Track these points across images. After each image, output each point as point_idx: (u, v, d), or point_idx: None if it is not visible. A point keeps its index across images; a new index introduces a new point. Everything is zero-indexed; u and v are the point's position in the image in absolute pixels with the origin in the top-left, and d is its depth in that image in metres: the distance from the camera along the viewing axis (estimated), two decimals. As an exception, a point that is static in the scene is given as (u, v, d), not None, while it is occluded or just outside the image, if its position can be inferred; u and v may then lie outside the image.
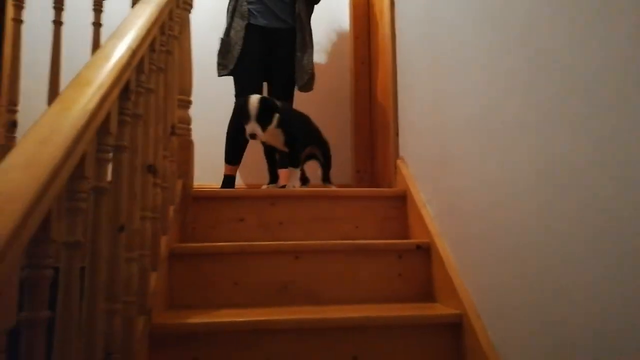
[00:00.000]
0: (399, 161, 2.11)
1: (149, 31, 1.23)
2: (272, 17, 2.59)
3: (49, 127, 0.74)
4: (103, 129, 0.92)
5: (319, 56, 3.22)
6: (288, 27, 2.61)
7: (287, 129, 2.17)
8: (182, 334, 1.34)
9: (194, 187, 1.92)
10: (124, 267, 1.12)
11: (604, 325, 0.86)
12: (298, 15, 2.61)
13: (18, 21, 1.72)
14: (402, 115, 2.13)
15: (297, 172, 2.24)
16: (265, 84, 2.68)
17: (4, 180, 0.61)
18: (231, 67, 2.53)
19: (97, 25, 1.78)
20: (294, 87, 2.68)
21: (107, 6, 1.82)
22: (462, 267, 1.48)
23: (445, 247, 1.60)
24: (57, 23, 1.73)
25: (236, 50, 2.52)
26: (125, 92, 1.07)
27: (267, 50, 2.60)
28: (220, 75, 2.58)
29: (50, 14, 1.71)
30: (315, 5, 2.74)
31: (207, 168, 2.50)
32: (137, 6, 1.35)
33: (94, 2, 1.77)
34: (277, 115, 2.11)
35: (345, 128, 3.20)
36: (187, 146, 1.87)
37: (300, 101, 2.74)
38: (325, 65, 3.29)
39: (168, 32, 1.58)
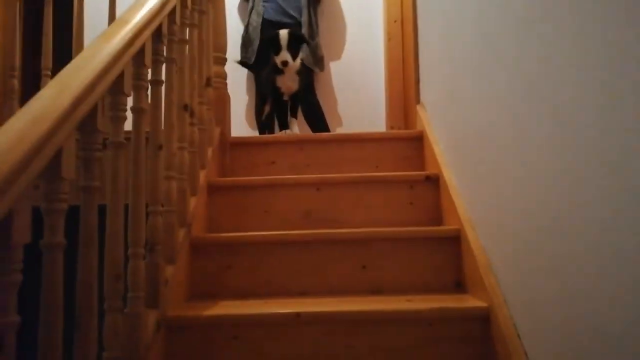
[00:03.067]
0: (418, 106, 2.25)
1: (179, -12, 1.47)
2: (283, 14, 3.04)
3: (96, 50, 0.99)
4: (138, 60, 1.17)
5: (352, 17, 3.36)
6: (296, 22, 3.06)
7: (302, 79, 2.48)
8: (217, 245, 1.60)
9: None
10: (164, 183, 1.38)
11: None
12: (307, 8, 3.05)
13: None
14: (422, 64, 2.25)
15: (295, 121, 2.56)
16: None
17: (60, 78, 0.86)
18: (253, 59, 2.98)
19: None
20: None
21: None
22: (461, 188, 1.63)
23: (450, 176, 1.74)
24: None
25: (255, 44, 2.96)
26: (158, 36, 1.31)
27: None
28: (243, 66, 3.05)
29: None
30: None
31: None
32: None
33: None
34: (304, 45, 2.43)
35: (380, 86, 3.33)
36: (223, 98, 2.12)
37: (337, 70, 3.01)
38: (359, 30, 3.42)
39: (201, -6, 1.82)
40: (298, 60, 2.39)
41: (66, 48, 2.60)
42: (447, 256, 1.59)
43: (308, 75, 2.93)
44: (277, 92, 2.47)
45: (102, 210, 0.99)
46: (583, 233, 0.89)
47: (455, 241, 1.58)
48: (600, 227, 0.84)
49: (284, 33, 2.32)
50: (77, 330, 0.91)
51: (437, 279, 1.58)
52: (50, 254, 0.81)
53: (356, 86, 3.31)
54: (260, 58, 2.92)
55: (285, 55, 2.30)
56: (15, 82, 2.00)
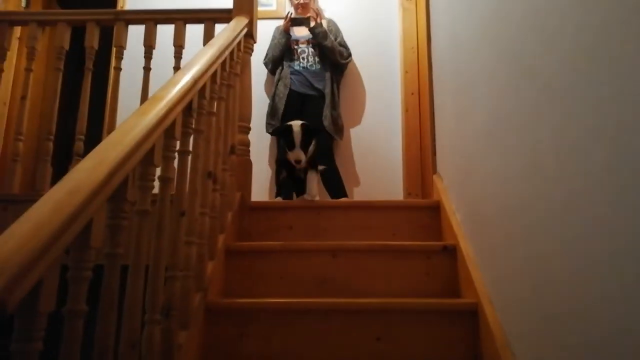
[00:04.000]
0: (435, 176, 2.29)
1: (210, 66, 1.58)
2: (308, 86, 3.21)
3: (132, 125, 1.07)
4: (169, 133, 1.25)
5: (372, 88, 3.50)
6: (320, 94, 3.22)
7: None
8: (232, 310, 1.60)
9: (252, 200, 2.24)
10: (184, 248, 1.42)
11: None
12: (331, 81, 3.21)
13: (117, 69, 2.21)
14: (439, 136, 2.32)
15: (315, 176, 2.41)
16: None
17: (98, 152, 0.93)
18: (278, 125, 3.11)
19: (147, 69, 2.18)
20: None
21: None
22: (479, 261, 1.62)
23: (468, 248, 1.74)
24: (147, 69, 2.18)
25: (280, 111, 3.14)
26: (188, 110, 1.41)
27: (301, 110, 3.17)
28: (268, 131, 3.21)
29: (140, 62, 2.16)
30: (348, 60, 3.37)
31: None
32: (204, 48, 1.72)
33: (145, 50, 2.19)
34: (314, 141, 2.32)
35: (397, 155, 3.40)
36: (245, 164, 2.20)
37: (356, 135, 3.14)
38: (378, 97, 3.55)
39: (229, 70, 1.95)
40: (310, 150, 2.30)
41: (99, 113, 2.77)
42: (463, 330, 1.56)
43: (329, 141, 3.05)
44: (289, 164, 2.37)
45: (122, 271, 1.02)
46: (604, 312, 0.88)
47: (472, 315, 1.56)
48: (626, 311, 0.83)
49: (297, 128, 2.23)
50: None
51: (453, 354, 1.54)
52: (71, 320, 0.84)
53: (374, 154, 3.39)
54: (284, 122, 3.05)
55: (298, 154, 2.22)
56: (50, 145, 2.13)
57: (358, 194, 3.30)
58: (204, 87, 1.54)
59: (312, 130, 2.28)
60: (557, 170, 1.05)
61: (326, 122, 3.10)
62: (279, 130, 2.38)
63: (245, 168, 2.21)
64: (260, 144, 3.23)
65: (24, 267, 0.66)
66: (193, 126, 1.48)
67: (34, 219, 0.73)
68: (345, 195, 2.91)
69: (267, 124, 3.22)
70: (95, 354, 0.94)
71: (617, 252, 0.83)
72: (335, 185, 2.95)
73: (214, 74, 1.68)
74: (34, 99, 2.82)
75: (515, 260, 1.30)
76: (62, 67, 2.20)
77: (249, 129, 2.26)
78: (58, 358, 0.82)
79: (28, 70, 2.22)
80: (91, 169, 0.89)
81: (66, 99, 2.83)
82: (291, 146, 2.23)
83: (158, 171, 1.22)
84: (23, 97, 2.21)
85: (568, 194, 1.00)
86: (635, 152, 0.78)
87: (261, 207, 2.20)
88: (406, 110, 3.41)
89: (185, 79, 1.39)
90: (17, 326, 0.72)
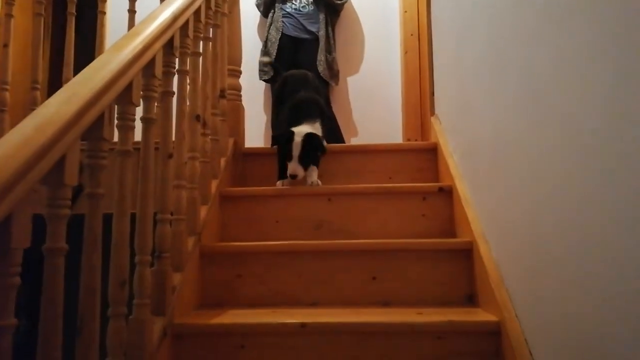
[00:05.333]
0: (433, 118, 2.23)
1: (192, 1, 1.50)
2: (301, 30, 3.07)
3: (105, 60, 1.01)
4: (149, 71, 1.19)
5: (370, 29, 3.38)
6: (314, 37, 3.08)
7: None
8: (228, 254, 1.61)
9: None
10: (173, 191, 1.40)
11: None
12: (325, 23, 3.07)
13: (102, 13, 2.11)
14: (437, 76, 2.24)
15: (316, 169, 1.98)
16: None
17: (68, 87, 0.89)
18: (271, 73, 3.01)
19: (131, 12, 2.09)
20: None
21: None
22: (474, 201, 1.60)
23: (464, 188, 1.71)
24: (131, 12, 2.09)
25: (272, 57, 3.02)
26: (170, 48, 1.34)
27: (294, 56, 3.05)
28: (261, 79, 3.11)
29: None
30: (345, 0, 3.20)
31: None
32: (186, -15, 1.63)
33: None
34: (319, 154, 1.94)
35: (397, 100, 3.32)
36: (237, 109, 2.15)
37: (354, 82, 3.02)
38: (376, 44, 3.43)
39: (215, 8, 1.85)
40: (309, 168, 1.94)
41: (89, 61, 2.69)
42: (458, 269, 1.56)
43: (324, 88, 2.93)
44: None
45: (107, 220, 1.00)
46: (599, 247, 0.86)
47: (467, 254, 1.55)
48: (618, 242, 0.81)
49: (298, 139, 1.87)
50: (79, 335, 0.92)
51: (448, 292, 1.54)
52: (51, 258, 0.83)
53: (373, 99, 3.32)
54: (277, 74, 2.96)
55: (295, 168, 1.86)
56: (38, 94, 2.07)
57: (355, 141, 3.25)
58: (186, 24, 1.46)
59: (316, 143, 1.91)
60: (557, 99, 1.00)
61: (320, 67, 3.00)
62: (278, 136, 1.98)
63: (237, 113, 2.15)
64: (253, 90, 3.14)
65: (-12, 200, 0.64)
66: (176, 67, 1.41)
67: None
68: (342, 142, 2.87)
69: (260, 70, 3.12)
70: (82, 294, 0.93)
71: (615, 182, 0.80)
72: (332, 134, 2.88)
73: (198, 11, 1.59)
74: (20, 50, 2.73)
75: (512, 198, 1.27)
76: (42, 12, 2.10)
77: (240, 72, 2.19)
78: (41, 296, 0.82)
79: (8, 16, 2.12)
80: (61, 103, 0.85)
81: (58, 48, 2.74)
82: (289, 157, 1.89)
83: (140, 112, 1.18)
84: (5, 45, 2.13)
85: (567, 126, 0.96)
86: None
87: (256, 153, 2.17)
88: (405, 52, 3.30)
89: (165, 14, 1.32)
90: (-10, 261, 0.70)
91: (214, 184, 1.77)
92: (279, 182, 1.94)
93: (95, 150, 0.96)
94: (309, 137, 1.89)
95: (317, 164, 1.97)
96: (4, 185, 0.67)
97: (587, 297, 0.88)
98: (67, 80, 2.06)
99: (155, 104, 1.25)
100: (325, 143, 2.00)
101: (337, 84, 3.17)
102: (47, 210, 0.83)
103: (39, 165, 0.75)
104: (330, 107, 3.02)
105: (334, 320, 1.33)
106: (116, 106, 1.07)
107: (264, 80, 3.13)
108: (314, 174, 1.95)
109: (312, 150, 1.89)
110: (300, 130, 1.90)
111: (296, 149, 1.86)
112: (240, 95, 2.18)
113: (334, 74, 3.13)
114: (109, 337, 1.03)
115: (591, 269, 0.87)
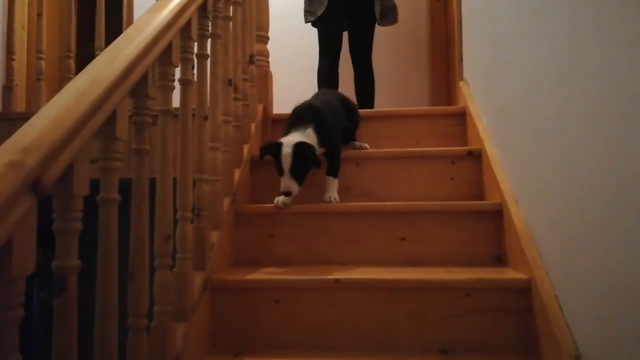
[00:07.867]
0: (461, 83, 2.21)
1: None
2: None
3: (146, 21, 1.04)
4: (186, 33, 1.22)
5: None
6: None
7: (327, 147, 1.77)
8: (260, 215, 1.65)
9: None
10: (209, 153, 1.44)
11: None
12: None
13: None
14: (466, 41, 2.21)
15: (336, 182, 1.76)
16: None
17: (113, 47, 0.92)
18: (319, 13, 2.59)
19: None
20: (374, 24, 2.70)
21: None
22: (504, 163, 1.60)
23: (493, 151, 1.71)
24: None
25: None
26: (203, 11, 1.36)
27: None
28: (307, 21, 2.67)
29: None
30: None
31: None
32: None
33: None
34: (313, 167, 1.66)
35: (422, 65, 3.29)
36: (265, 75, 2.17)
37: (379, 39, 2.85)
38: (402, 11, 3.36)
39: (243, -28, 1.85)
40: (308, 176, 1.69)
41: (119, 32, 2.73)
42: (488, 230, 1.58)
43: (368, 41, 2.62)
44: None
45: (152, 183, 1.05)
46: (629, 206, 0.86)
47: (496, 215, 1.56)
48: (646, 188, 0.81)
49: (287, 150, 1.61)
50: (131, 283, 0.98)
51: (477, 253, 1.57)
52: (106, 208, 0.88)
53: (398, 64, 3.28)
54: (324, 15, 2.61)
55: (287, 184, 1.60)
56: (72, 62, 2.13)
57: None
58: (218, -12, 1.48)
59: (308, 153, 1.62)
60: (596, 55, 0.99)
61: (377, 10, 2.58)
62: (264, 148, 1.69)
63: (265, 79, 2.17)
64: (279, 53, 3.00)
65: (55, 147, 0.68)
66: (209, 30, 1.44)
67: (59, 105, 0.74)
68: (371, 107, 2.72)
69: (306, 12, 2.67)
70: (132, 245, 0.99)
71: (652, 127, 0.80)
72: (365, 93, 2.62)
73: (228, -24, 1.60)
74: (51, 20, 2.79)
75: (542, 159, 1.27)
76: (73, -20, 2.14)
77: (267, 38, 2.19)
78: (97, 245, 0.87)
79: (40, -15, 2.17)
80: (109, 62, 0.89)
81: (83, 20, 2.78)
82: (279, 171, 1.64)
83: (178, 74, 1.21)
84: (39, 15, 2.18)
85: (600, 91, 0.95)
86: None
87: (284, 119, 2.18)
88: (432, 18, 3.24)
89: (199, -23, 1.33)
90: (56, 207, 0.75)
91: (245, 148, 1.81)
92: (276, 199, 1.65)
93: (141, 108, 1.00)
94: (298, 146, 1.61)
95: (336, 175, 1.74)
96: (64, 136, 0.71)
97: (614, 248, 0.89)
98: (99, 49, 2.10)
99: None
100: (318, 153, 1.68)
101: (396, 21, 2.69)
102: (101, 163, 0.87)
103: (94, 117, 0.79)
104: (370, 62, 2.67)
105: (366, 277, 1.37)
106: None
107: (311, 21, 2.67)
108: (332, 188, 1.72)
109: (305, 162, 1.62)
110: (289, 141, 1.64)
111: (286, 162, 1.60)
112: (268, 61, 2.19)
113: (389, 10, 2.64)
114: (156, 286, 1.09)
115: (629, 224, 0.87)
